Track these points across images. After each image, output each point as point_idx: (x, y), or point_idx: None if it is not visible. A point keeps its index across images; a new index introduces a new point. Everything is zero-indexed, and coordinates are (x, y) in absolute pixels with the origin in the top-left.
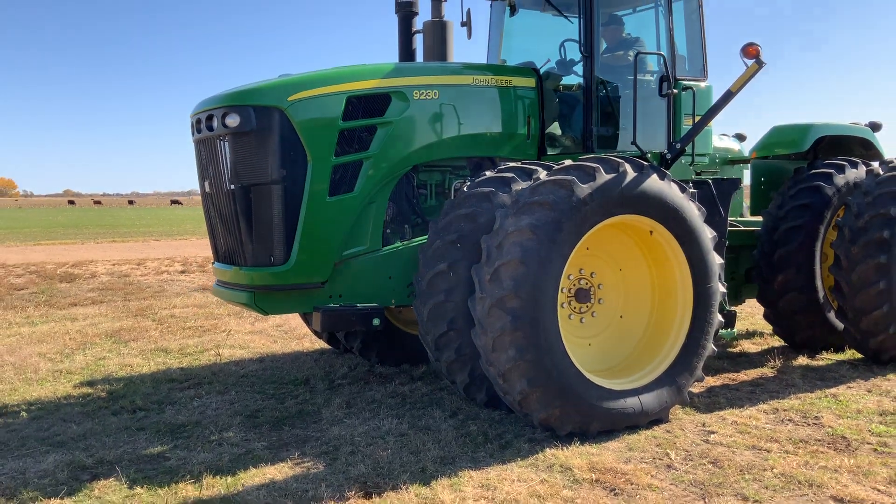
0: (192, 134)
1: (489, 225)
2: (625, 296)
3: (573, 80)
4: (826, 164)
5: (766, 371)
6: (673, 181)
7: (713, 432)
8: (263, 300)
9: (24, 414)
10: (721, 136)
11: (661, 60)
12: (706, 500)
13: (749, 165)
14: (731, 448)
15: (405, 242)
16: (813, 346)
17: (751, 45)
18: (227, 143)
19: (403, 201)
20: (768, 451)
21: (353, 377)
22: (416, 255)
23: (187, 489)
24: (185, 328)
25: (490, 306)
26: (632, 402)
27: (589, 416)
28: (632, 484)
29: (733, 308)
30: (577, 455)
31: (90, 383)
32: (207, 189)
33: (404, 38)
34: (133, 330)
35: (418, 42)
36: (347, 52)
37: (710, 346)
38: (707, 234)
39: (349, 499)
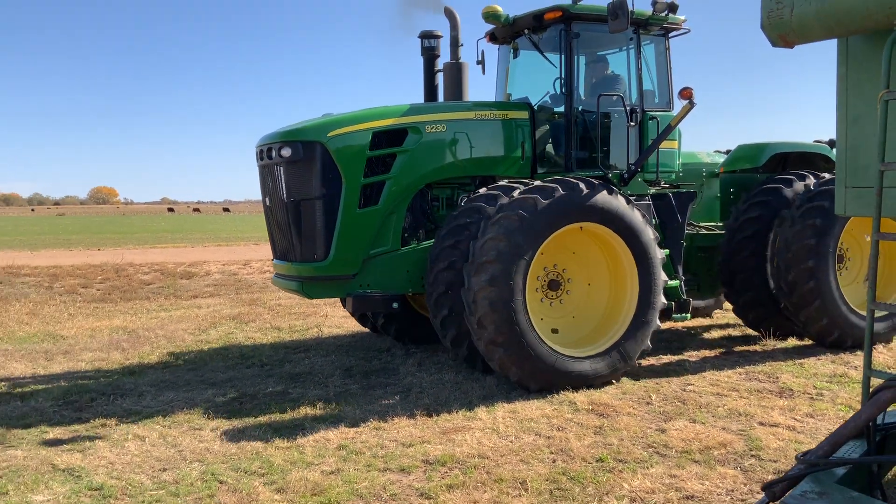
0: (257, 160)
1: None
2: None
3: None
4: (777, 179)
5: (757, 348)
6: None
7: (691, 384)
8: (309, 287)
9: (182, 367)
10: (710, 153)
11: (627, 96)
12: (665, 422)
13: (719, 178)
14: (699, 394)
15: (419, 244)
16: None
17: (685, 88)
18: (282, 169)
19: (418, 211)
20: (727, 396)
21: (424, 348)
22: (428, 253)
23: (306, 410)
24: (290, 313)
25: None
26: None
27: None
28: (616, 412)
29: (689, 298)
30: (582, 396)
31: (225, 349)
32: (268, 203)
33: (428, 76)
34: (249, 314)
35: (440, 79)
36: (384, 84)
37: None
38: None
39: (416, 416)
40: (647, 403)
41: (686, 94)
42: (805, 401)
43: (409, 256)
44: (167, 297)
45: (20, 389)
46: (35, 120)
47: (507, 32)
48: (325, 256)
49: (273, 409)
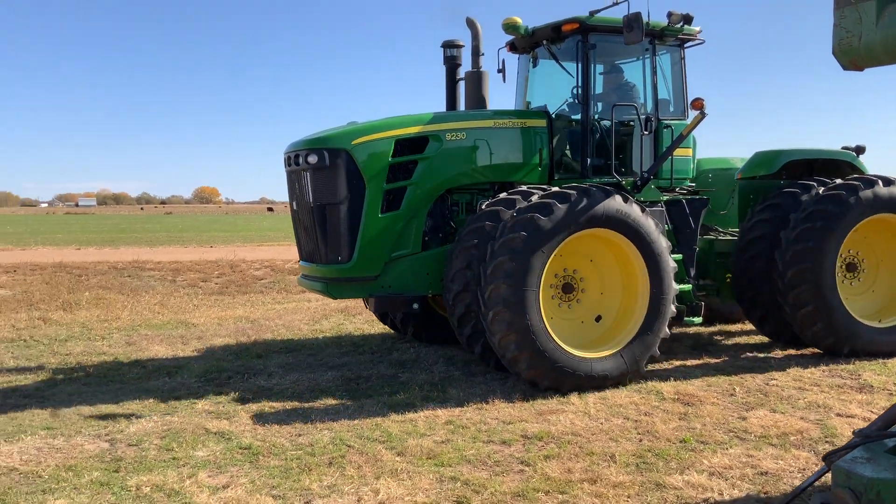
0: (285, 166)
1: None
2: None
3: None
4: (791, 185)
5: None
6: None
7: (774, 379)
8: (333, 288)
9: (302, 352)
10: (744, 159)
11: (643, 105)
12: (747, 411)
13: (738, 185)
14: (782, 388)
15: (439, 247)
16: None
17: (697, 99)
18: (308, 175)
19: (438, 216)
20: (808, 391)
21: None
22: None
23: (415, 391)
24: None
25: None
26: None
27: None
28: (700, 401)
29: (701, 301)
30: (669, 386)
31: (338, 337)
32: (295, 207)
33: (450, 84)
34: (356, 308)
35: (461, 87)
36: (408, 91)
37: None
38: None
39: (514, 399)
40: (731, 395)
41: (697, 104)
42: (884, 396)
43: (429, 259)
44: (279, 291)
45: (166, 368)
46: (143, 122)
47: (526, 43)
48: (349, 258)
49: (386, 389)
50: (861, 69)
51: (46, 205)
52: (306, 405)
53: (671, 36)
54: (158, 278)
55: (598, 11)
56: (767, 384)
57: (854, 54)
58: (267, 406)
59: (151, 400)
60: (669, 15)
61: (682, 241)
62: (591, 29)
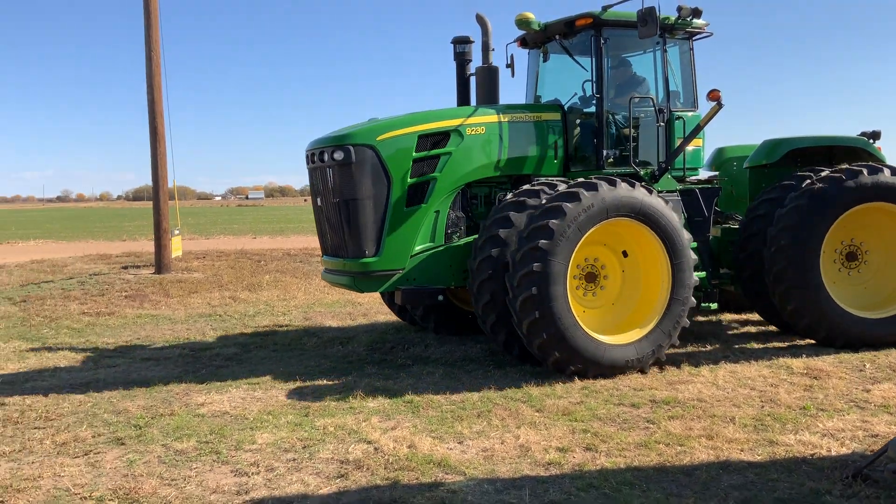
0: (308, 163)
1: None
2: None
3: (594, 109)
4: (792, 175)
5: None
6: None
7: None
8: (360, 282)
9: (430, 336)
10: None
11: (657, 97)
12: (872, 384)
13: (748, 173)
14: None
15: (462, 240)
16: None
17: (714, 90)
18: (333, 171)
19: (460, 209)
20: None
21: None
22: (470, 248)
23: (513, 369)
24: None
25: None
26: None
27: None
28: (828, 375)
29: (716, 288)
30: (799, 362)
31: None
32: (319, 203)
33: (461, 79)
34: None
35: (472, 82)
36: (420, 86)
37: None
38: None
39: (647, 370)
40: (860, 371)
41: (714, 95)
42: None
43: (451, 252)
44: None
45: (339, 339)
46: (305, 117)
47: (537, 38)
48: (376, 253)
49: (491, 366)
50: None
51: (220, 198)
52: (458, 371)
53: (681, 29)
54: None
55: (611, 6)
56: None
57: None
58: (424, 370)
59: (329, 363)
60: (679, 9)
61: (695, 230)
62: (603, 24)
